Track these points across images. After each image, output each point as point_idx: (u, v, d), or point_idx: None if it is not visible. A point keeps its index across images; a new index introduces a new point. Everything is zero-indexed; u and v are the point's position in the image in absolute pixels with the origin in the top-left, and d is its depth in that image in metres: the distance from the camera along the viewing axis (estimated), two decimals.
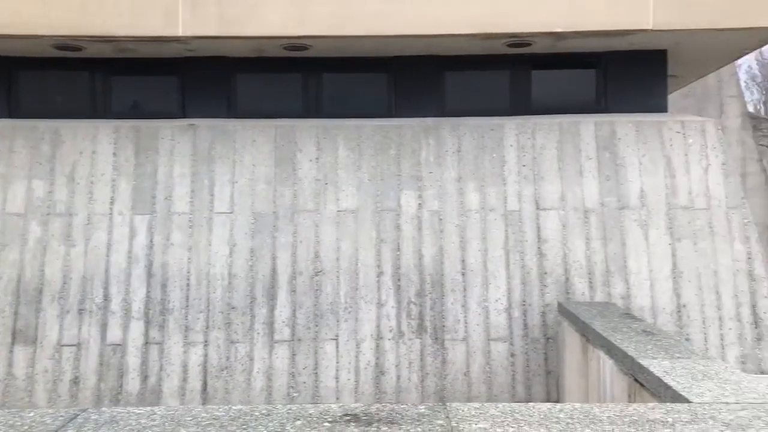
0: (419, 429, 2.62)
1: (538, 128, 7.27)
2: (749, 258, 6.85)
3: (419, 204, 7.11)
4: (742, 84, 23.20)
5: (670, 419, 2.74)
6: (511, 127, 7.29)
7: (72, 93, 7.78)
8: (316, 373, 6.72)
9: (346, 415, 2.80)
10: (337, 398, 6.62)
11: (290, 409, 2.89)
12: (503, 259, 6.94)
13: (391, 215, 7.08)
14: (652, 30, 6.76)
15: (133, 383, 6.70)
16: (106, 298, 6.87)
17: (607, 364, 4.55)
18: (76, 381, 6.70)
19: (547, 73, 7.75)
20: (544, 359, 6.73)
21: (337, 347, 6.78)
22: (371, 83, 7.83)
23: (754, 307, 6.74)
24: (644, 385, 3.77)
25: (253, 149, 7.26)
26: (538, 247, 6.96)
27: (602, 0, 6.72)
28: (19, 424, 2.72)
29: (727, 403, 3.02)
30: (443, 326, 6.81)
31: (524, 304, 6.84)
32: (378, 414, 2.80)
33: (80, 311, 6.84)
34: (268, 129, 7.33)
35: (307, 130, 7.32)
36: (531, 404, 2.95)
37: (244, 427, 2.67)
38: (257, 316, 6.84)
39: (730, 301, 6.76)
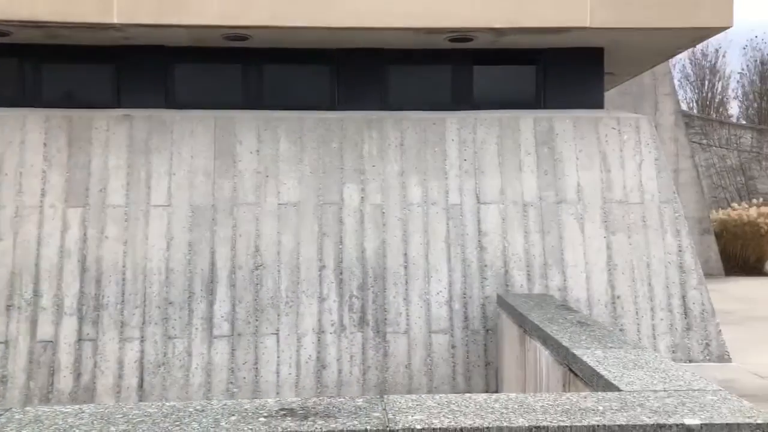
0: (356, 422, 2.61)
1: (479, 123, 7.35)
2: (680, 251, 7.09)
3: (362, 197, 7.09)
4: (676, 83, 24.01)
5: (600, 407, 2.81)
6: (453, 121, 7.35)
7: None
8: (257, 368, 6.64)
9: (282, 409, 2.77)
10: (278, 393, 6.57)
11: (225, 405, 2.83)
12: (445, 252, 7.00)
13: (334, 209, 7.04)
14: (589, 27, 6.92)
15: (65, 381, 6.49)
16: (37, 293, 6.63)
17: (544, 355, 4.64)
18: (3, 380, 6.45)
19: (489, 68, 7.85)
20: (484, 351, 6.82)
21: (278, 342, 6.71)
22: (314, 75, 7.77)
23: (683, 298, 6.99)
24: (578, 374, 3.86)
25: (191, 140, 7.11)
26: (479, 241, 7.05)
27: None
28: None
29: (655, 390, 3.12)
30: (385, 319, 6.82)
31: (465, 297, 6.91)
32: (315, 408, 2.78)
33: (8, 307, 6.58)
34: (207, 120, 7.19)
35: (247, 121, 7.21)
36: (467, 395, 2.98)
37: (177, 423, 2.61)
38: (195, 311, 6.71)
39: (662, 292, 6.98)
